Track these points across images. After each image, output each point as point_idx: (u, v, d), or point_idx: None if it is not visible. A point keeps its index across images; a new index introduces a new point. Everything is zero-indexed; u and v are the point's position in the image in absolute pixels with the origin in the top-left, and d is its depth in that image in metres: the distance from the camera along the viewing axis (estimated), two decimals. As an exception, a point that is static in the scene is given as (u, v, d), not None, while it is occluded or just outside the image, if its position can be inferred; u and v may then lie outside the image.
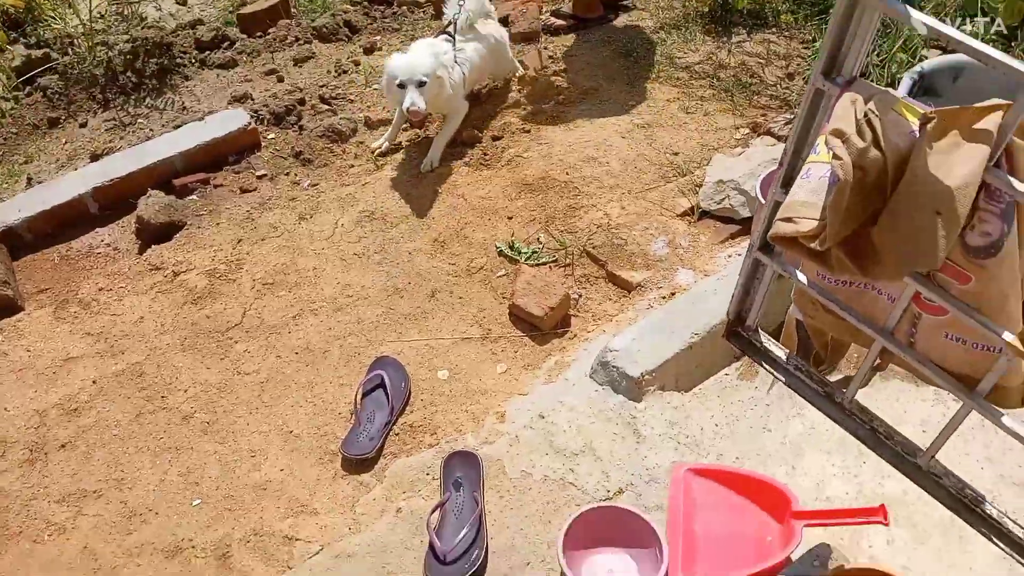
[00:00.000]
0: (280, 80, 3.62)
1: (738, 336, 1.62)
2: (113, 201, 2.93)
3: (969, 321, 1.14)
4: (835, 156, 1.07)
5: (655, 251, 2.63)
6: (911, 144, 1.07)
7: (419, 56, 2.89)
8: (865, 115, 1.07)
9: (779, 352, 1.56)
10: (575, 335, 2.43)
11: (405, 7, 4.06)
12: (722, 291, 2.29)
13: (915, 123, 1.08)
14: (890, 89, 1.16)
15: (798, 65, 3.42)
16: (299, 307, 2.55)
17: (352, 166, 3.12)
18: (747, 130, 3.13)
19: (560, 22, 3.83)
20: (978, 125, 1.03)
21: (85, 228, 2.88)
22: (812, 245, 1.12)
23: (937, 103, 2.40)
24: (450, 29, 3.18)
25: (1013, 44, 3.30)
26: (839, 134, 1.08)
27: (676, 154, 3.03)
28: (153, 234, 2.80)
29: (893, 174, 1.07)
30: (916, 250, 1.05)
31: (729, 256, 2.56)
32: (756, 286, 1.53)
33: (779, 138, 3.02)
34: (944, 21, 3.17)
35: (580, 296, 2.55)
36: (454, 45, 3.12)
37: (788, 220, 1.15)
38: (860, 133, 1.07)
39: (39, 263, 2.77)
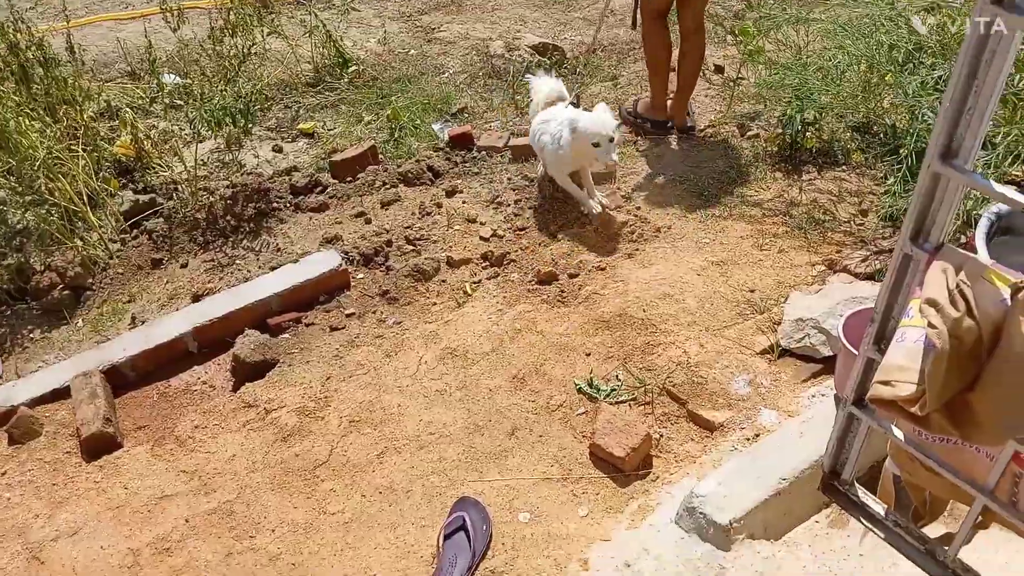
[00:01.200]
0: (368, 222, 3.83)
1: (834, 490, 1.60)
2: (211, 340, 3.10)
3: None
4: (931, 325, 1.10)
5: (736, 390, 2.62)
6: (1004, 312, 1.09)
7: (604, 116, 3.33)
8: (957, 286, 1.10)
9: (877, 507, 1.53)
10: (658, 477, 2.40)
11: (484, 151, 4.30)
12: (808, 434, 2.27)
13: (1006, 291, 1.10)
14: (976, 247, 1.19)
15: (871, 202, 3.46)
16: (383, 445, 2.61)
17: (435, 304, 3.24)
18: (823, 267, 3.15)
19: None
20: None
21: (184, 366, 3.05)
22: (912, 410, 1.13)
23: (1017, 242, 2.40)
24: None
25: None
26: (933, 303, 1.11)
27: (752, 291, 3.06)
28: (247, 372, 2.94)
29: (988, 342, 1.09)
30: (1016, 417, 1.05)
31: (812, 396, 2.54)
32: (850, 440, 1.52)
33: (856, 275, 3.03)
34: (1019, 156, 3.21)
35: (661, 436, 2.54)
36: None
37: (886, 383, 1.17)
38: (953, 303, 1.09)
39: (139, 400, 2.93)
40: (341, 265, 3.33)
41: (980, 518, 1.36)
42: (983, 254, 2.15)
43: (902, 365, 1.18)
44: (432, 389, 2.79)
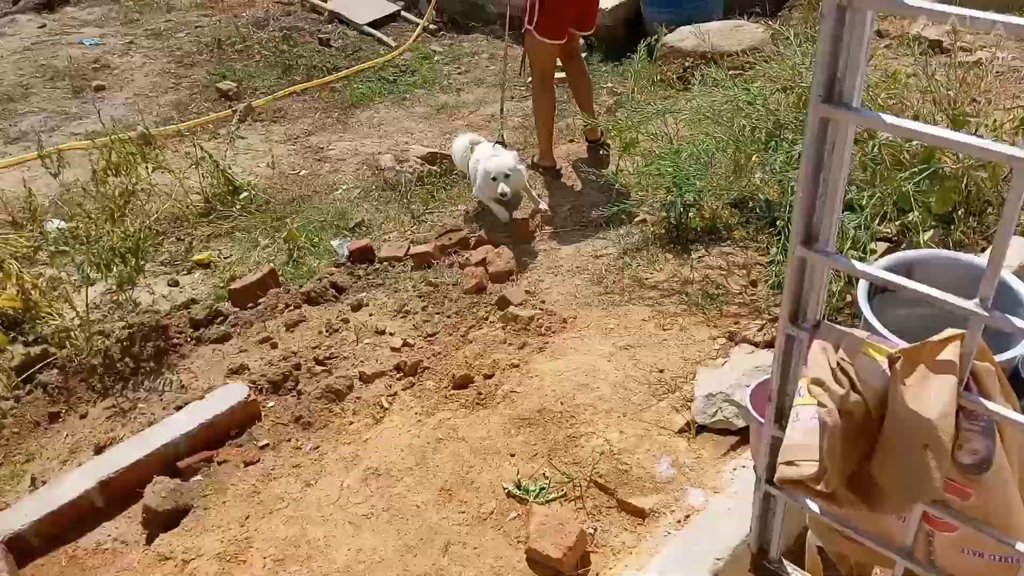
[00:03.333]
0: (274, 347, 3.77)
1: (764, 570, 1.64)
2: (119, 492, 2.94)
3: (981, 535, 1.19)
4: (820, 404, 1.18)
5: (661, 472, 2.67)
6: (886, 382, 1.18)
7: (502, 158, 4.33)
8: (838, 364, 1.19)
9: (807, 579, 1.58)
10: (598, 574, 2.39)
11: (386, 262, 4.33)
12: (736, 509, 2.32)
13: (884, 361, 1.20)
14: (854, 331, 1.29)
15: (759, 272, 3.67)
16: (313, 581, 2.50)
17: (352, 423, 3.19)
18: (724, 339, 3.29)
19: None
20: (941, 356, 1.15)
21: (93, 524, 2.86)
22: (818, 488, 1.19)
23: (896, 301, 2.58)
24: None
25: (952, 227, 3.60)
26: (819, 383, 1.19)
27: (662, 371, 3.16)
28: (161, 522, 2.79)
29: (876, 412, 1.17)
30: (915, 484, 1.13)
31: (734, 469, 2.61)
32: (771, 517, 1.58)
33: (756, 344, 3.18)
34: (885, 215, 3.48)
35: (596, 530, 2.54)
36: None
37: (790, 464, 1.23)
38: (837, 380, 1.18)
39: (46, 568, 2.72)
40: (249, 396, 3.24)
41: (904, 578, 1.42)
42: (867, 313, 2.30)
43: (802, 443, 1.25)
44: (358, 514, 2.72)
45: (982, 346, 1.18)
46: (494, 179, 4.33)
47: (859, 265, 1.22)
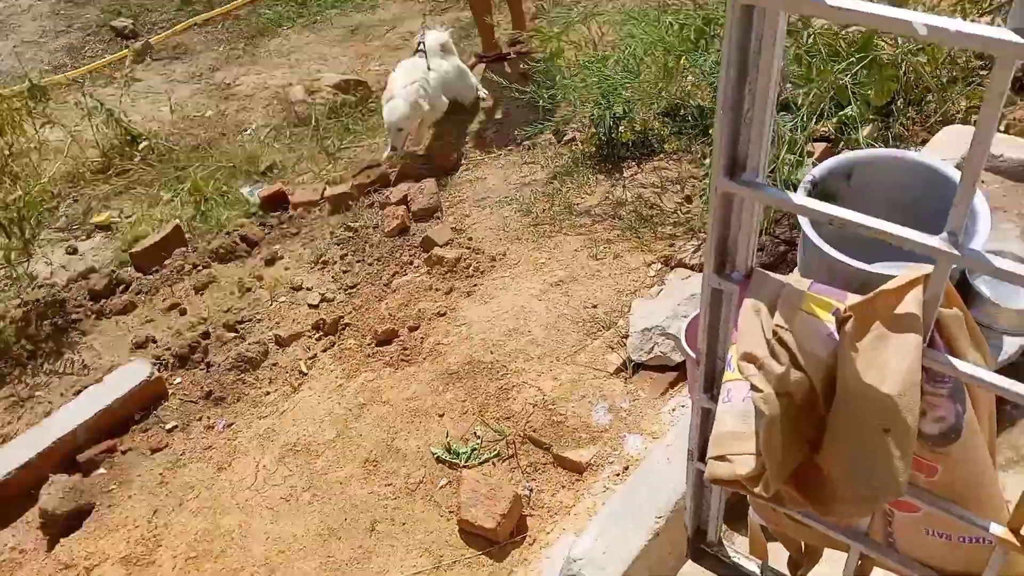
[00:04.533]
0: (183, 313, 3.47)
1: (703, 553, 1.45)
2: (14, 496, 2.68)
3: (947, 515, 0.99)
4: (753, 387, 0.93)
5: (597, 420, 2.48)
6: (833, 350, 0.94)
7: (394, 104, 3.98)
8: (775, 333, 0.94)
9: (751, 566, 1.39)
10: (535, 540, 2.22)
11: (301, 208, 4.00)
12: (675, 459, 2.13)
13: (830, 322, 0.95)
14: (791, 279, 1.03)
15: (693, 187, 3.42)
16: (230, 577, 2.30)
17: (268, 393, 2.94)
18: (660, 265, 3.07)
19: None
20: (900, 309, 0.90)
21: (-15, 535, 2.61)
22: (756, 490, 0.96)
23: (837, 204, 2.36)
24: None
25: (891, 120, 3.38)
26: (751, 359, 0.94)
27: (595, 307, 2.94)
28: (61, 526, 2.55)
29: (823, 389, 0.93)
30: (874, 479, 0.89)
31: (673, 410, 2.43)
32: (707, 494, 1.37)
33: (692, 268, 2.96)
34: (822, 113, 3.24)
35: (531, 491, 2.36)
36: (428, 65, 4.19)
37: (722, 459, 1.00)
38: (774, 354, 0.93)
39: (-65, 592, 2.49)
40: (152, 374, 2.97)
41: (860, 562, 1.24)
42: (812, 236, 2.06)
43: (735, 431, 1.01)
44: (276, 497, 2.50)
45: (948, 289, 0.93)
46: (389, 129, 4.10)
47: (799, 199, 0.95)
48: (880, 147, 3.06)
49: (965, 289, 2.25)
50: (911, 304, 0.90)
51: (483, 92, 4.62)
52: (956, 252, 0.83)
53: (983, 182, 2.48)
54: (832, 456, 0.96)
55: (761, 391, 0.95)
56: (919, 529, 1.10)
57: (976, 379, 0.90)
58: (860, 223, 0.91)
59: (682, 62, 3.51)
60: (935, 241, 0.84)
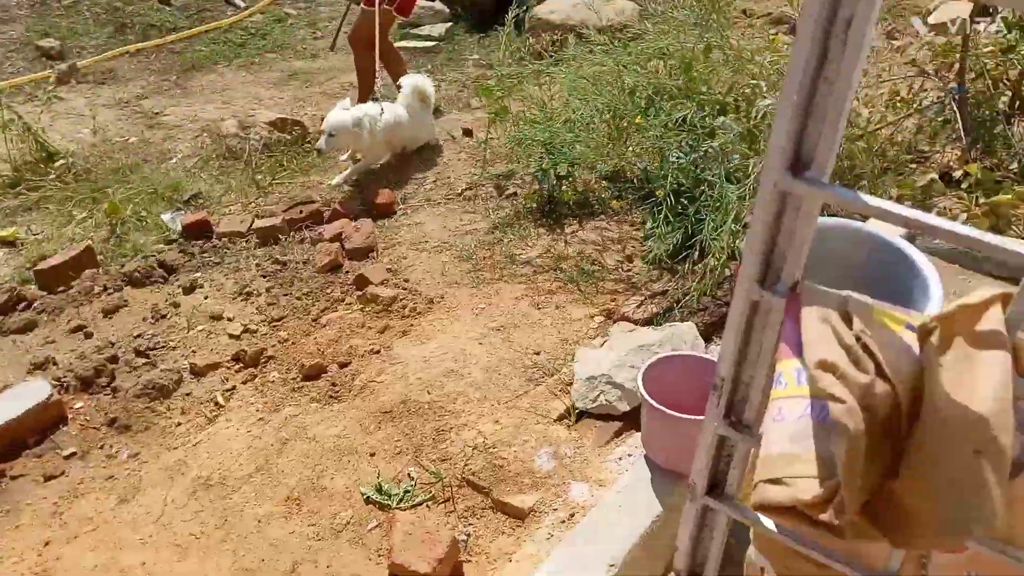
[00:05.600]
0: (88, 336, 3.20)
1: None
2: None
3: (999, 556, 0.91)
4: (833, 398, 0.84)
5: (541, 466, 2.38)
6: (917, 365, 0.86)
7: (338, 112, 4.18)
8: (858, 338, 0.86)
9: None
10: (471, 588, 2.07)
11: (226, 238, 3.82)
12: (626, 505, 2.06)
13: (908, 336, 0.87)
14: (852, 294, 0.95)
15: (634, 247, 3.45)
16: (125, 619, 2.04)
17: (179, 424, 2.71)
18: (602, 318, 3.05)
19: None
20: (981, 326, 0.84)
21: None
22: (822, 517, 0.85)
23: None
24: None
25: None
26: (828, 367, 0.84)
27: (538, 353, 2.87)
28: (-73, 557, 2.22)
29: (908, 409, 0.85)
30: (965, 509, 0.80)
31: (620, 459, 2.35)
32: (707, 536, 1.27)
33: (635, 322, 2.95)
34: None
35: (469, 536, 2.22)
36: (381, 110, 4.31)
37: (777, 482, 0.88)
38: (856, 362, 0.85)
39: None
40: (52, 395, 2.69)
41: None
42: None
43: (791, 452, 0.88)
44: (185, 534, 2.26)
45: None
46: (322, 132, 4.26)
47: (874, 201, 0.86)
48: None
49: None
50: (993, 321, 0.84)
51: (439, 139, 4.73)
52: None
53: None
54: (913, 484, 0.85)
55: (844, 402, 0.84)
56: (959, 571, 1.03)
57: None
58: (952, 231, 0.83)
59: (637, 120, 3.58)
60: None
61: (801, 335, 0.93)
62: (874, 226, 2.56)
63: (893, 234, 2.35)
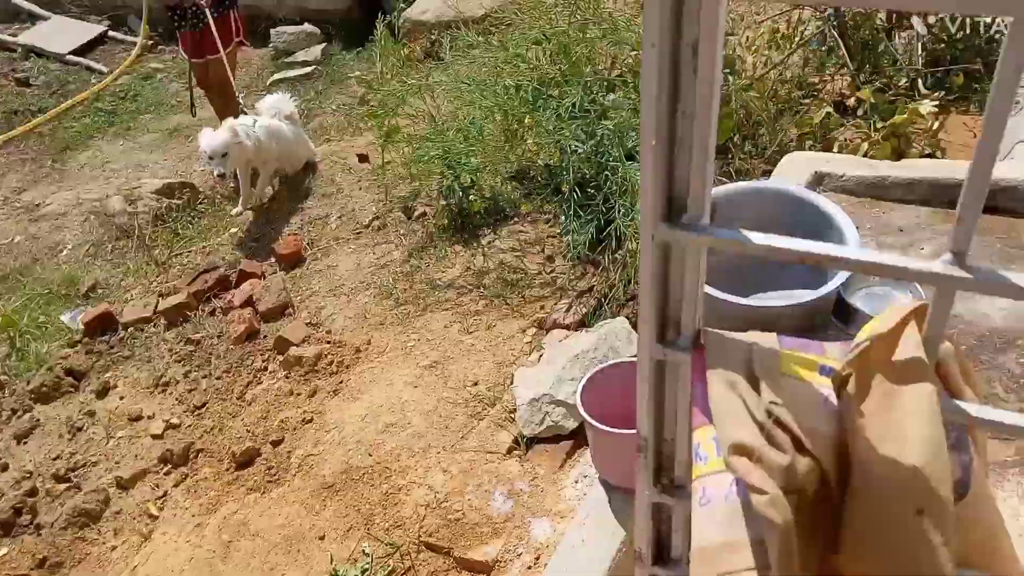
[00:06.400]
0: (4, 468, 2.97)
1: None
2: None
3: None
4: (753, 488, 0.73)
5: (498, 509, 2.26)
6: (836, 422, 0.75)
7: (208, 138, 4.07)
8: (769, 413, 0.75)
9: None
10: (448, 664, 1.95)
11: (132, 328, 3.59)
12: (590, 539, 1.95)
13: (821, 383, 0.77)
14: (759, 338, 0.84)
15: (553, 246, 3.33)
16: None
17: (114, 548, 2.53)
18: (534, 329, 2.94)
19: None
20: (899, 355, 0.73)
21: None
22: None
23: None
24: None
25: (729, 156, 3.45)
26: (743, 451, 0.74)
27: (476, 384, 2.75)
28: None
29: (836, 474, 0.75)
30: (910, 568, 0.71)
31: (576, 482, 2.25)
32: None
33: (567, 327, 2.84)
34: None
35: (436, 605, 2.10)
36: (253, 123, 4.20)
37: None
38: (772, 441, 0.74)
39: None
40: (-34, 553, 2.48)
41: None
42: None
43: (726, 542, 0.78)
44: (136, 676, 2.10)
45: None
46: (211, 158, 4.07)
47: (760, 238, 0.75)
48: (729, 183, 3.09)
49: (840, 306, 2.23)
50: (911, 347, 0.73)
51: (318, 156, 4.59)
52: (968, 275, 0.67)
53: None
54: (858, 556, 0.76)
55: (765, 492, 0.74)
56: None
57: (993, 423, 0.74)
58: (854, 259, 0.74)
59: (527, 121, 3.46)
60: (938, 266, 0.68)
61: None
62: (788, 184, 2.49)
63: (801, 187, 2.29)
